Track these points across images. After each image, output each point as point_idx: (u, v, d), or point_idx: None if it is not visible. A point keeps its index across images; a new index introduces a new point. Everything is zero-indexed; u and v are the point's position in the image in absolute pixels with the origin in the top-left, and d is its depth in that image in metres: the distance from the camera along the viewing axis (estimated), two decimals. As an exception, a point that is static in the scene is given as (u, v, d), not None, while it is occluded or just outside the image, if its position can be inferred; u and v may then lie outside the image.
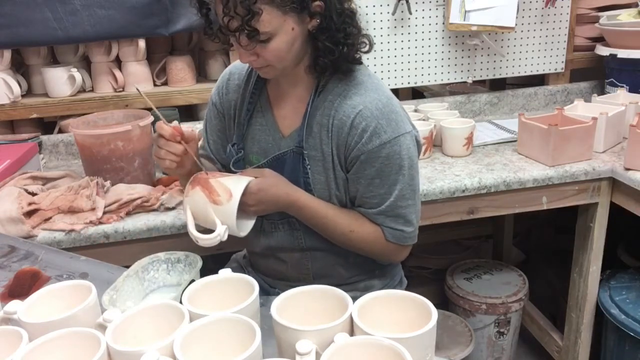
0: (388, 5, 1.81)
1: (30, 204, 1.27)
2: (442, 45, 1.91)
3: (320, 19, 0.96)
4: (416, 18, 1.85)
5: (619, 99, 1.74)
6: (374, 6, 1.81)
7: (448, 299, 1.99)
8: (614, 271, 1.74)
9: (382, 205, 1.05)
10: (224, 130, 1.19)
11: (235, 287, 0.75)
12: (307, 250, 1.14)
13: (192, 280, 0.80)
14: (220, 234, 0.96)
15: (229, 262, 1.38)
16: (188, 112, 1.93)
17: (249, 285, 0.73)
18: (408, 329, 0.63)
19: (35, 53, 1.76)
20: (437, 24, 1.87)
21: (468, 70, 1.96)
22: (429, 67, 1.92)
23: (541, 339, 1.94)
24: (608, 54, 1.85)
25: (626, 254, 1.84)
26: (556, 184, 1.47)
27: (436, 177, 1.45)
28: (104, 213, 1.28)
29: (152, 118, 1.42)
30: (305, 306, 0.71)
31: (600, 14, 1.97)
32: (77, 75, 1.72)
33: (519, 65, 1.99)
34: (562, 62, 2.03)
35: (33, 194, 1.31)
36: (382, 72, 1.88)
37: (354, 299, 0.68)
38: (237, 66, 1.17)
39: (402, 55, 1.89)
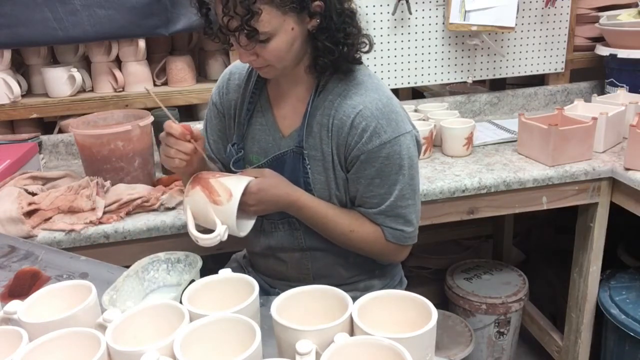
0: (388, 5, 1.81)
1: (30, 204, 1.27)
2: (442, 45, 1.91)
3: (320, 19, 0.96)
4: (416, 18, 1.85)
5: (619, 99, 1.74)
6: (374, 6, 1.81)
7: (448, 299, 1.99)
8: (614, 271, 1.74)
9: (382, 205, 1.05)
10: (224, 130, 1.19)
11: (235, 287, 0.75)
12: (307, 250, 1.14)
13: (192, 280, 0.80)
14: (220, 233, 0.96)
15: (229, 262, 1.38)
16: (188, 112, 1.93)
17: (249, 285, 0.73)
18: (408, 329, 0.63)
19: (35, 53, 1.76)
20: (437, 24, 1.87)
21: (468, 70, 1.96)
22: (429, 67, 1.92)
23: (541, 339, 1.94)
24: (608, 54, 1.85)
25: (626, 254, 1.84)
26: (556, 184, 1.47)
27: (436, 177, 1.45)
28: (104, 213, 1.28)
29: (152, 118, 1.42)
30: (305, 306, 0.71)
31: (600, 14, 1.97)
32: (77, 75, 1.72)
33: (519, 65, 1.99)
34: (562, 62, 2.03)
35: (33, 194, 1.31)
36: (382, 72, 1.89)
37: (354, 299, 0.68)
38: (238, 66, 1.17)
39: (402, 55, 1.89)
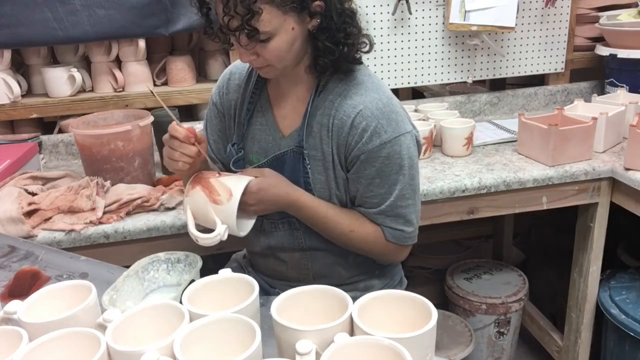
0: (388, 5, 1.81)
1: (30, 204, 1.27)
2: (442, 45, 1.91)
3: (320, 19, 0.96)
4: (416, 18, 1.85)
5: (619, 99, 1.74)
6: (374, 6, 1.81)
7: (448, 299, 1.99)
8: (614, 271, 1.74)
9: (382, 205, 1.05)
10: (224, 130, 1.19)
11: (235, 287, 0.75)
12: (307, 250, 1.14)
13: (192, 280, 0.80)
14: (220, 233, 0.96)
15: (229, 262, 1.38)
16: (188, 112, 1.93)
17: (249, 285, 0.73)
18: (408, 329, 0.63)
19: (35, 53, 1.76)
20: (437, 24, 1.87)
21: (468, 70, 1.96)
22: (429, 67, 1.92)
23: (541, 339, 1.94)
24: (608, 54, 1.85)
25: (626, 254, 1.84)
26: (556, 184, 1.47)
27: (436, 177, 1.45)
28: (104, 213, 1.28)
29: (152, 118, 1.42)
30: (305, 306, 0.71)
31: (600, 14, 1.97)
32: (77, 75, 1.72)
33: (519, 65, 1.99)
34: (562, 62, 2.03)
35: (33, 194, 1.31)
36: (382, 72, 1.88)
37: (354, 299, 0.68)
38: (238, 66, 1.17)
39: (402, 55, 1.89)
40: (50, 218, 1.27)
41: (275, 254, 1.17)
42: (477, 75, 1.97)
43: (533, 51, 1.98)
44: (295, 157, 1.07)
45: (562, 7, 1.94)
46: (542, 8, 1.93)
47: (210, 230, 0.98)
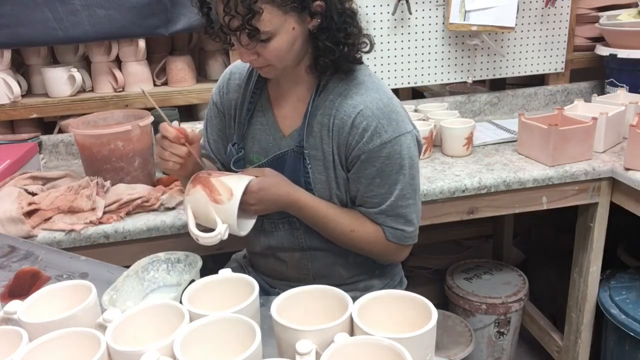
0: (388, 5, 1.81)
1: (30, 204, 1.27)
2: (442, 45, 1.91)
3: (321, 19, 0.96)
4: (416, 18, 1.85)
5: (619, 99, 1.74)
6: (374, 6, 1.81)
7: (448, 299, 1.99)
8: (614, 271, 1.74)
9: (382, 205, 1.05)
10: (225, 130, 1.19)
11: (235, 287, 0.75)
12: (308, 250, 1.14)
13: (192, 280, 0.80)
14: (220, 232, 0.96)
15: (229, 262, 1.38)
16: (188, 112, 1.93)
17: (249, 285, 0.73)
18: (408, 329, 0.63)
19: (35, 53, 1.76)
20: (437, 24, 1.87)
21: (468, 70, 1.96)
22: (429, 67, 1.92)
23: (541, 339, 1.94)
24: (608, 54, 1.85)
25: (626, 254, 1.84)
26: (556, 184, 1.47)
27: (436, 177, 1.45)
28: (104, 213, 1.28)
29: (152, 118, 1.42)
30: (305, 306, 0.71)
31: (600, 14, 1.97)
32: (77, 75, 1.72)
33: (519, 65, 1.99)
34: (562, 62, 2.03)
35: (33, 194, 1.31)
36: (382, 72, 1.88)
37: (354, 299, 0.68)
38: (238, 66, 1.17)
39: (402, 55, 1.89)
40: (50, 218, 1.27)
41: (275, 253, 1.17)
42: (477, 75, 1.97)
43: (533, 51, 1.98)
44: (296, 156, 1.07)
45: (562, 7, 1.94)
46: (542, 8, 1.93)
47: (210, 230, 0.98)
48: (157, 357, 0.60)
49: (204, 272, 0.86)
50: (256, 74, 1.12)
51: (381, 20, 1.83)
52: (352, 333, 0.65)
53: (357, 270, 1.18)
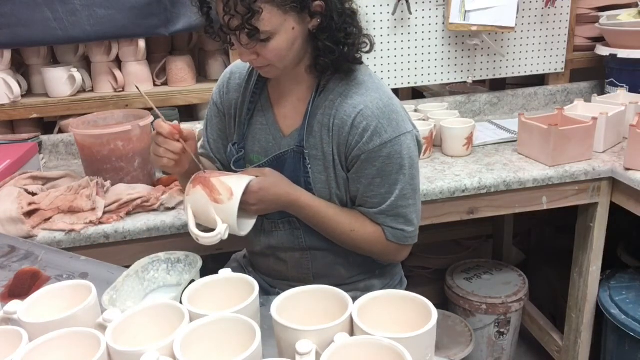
0: (388, 5, 1.81)
1: (30, 204, 1.27)
2: (442, 45, 1.91)
3: (321, 19, 0.96)
4: (416, 18, 1.85)
5: (619, 99, 1.74)
6: (374, 6, 1.81)
7: (448, 299, 1.99)
8: (614, 271, 1.74)
9: (382, 205, 1.05)
10: (225, 130, 1.19)
11: (235, 287, 0.75)
12: (308, 249, 1.14)
13: (192, 280, 0.80)
14: (220, 232, 0.96)
15: (229, 262, 1.38)
16: (188, 112, 1.93)
17: (249, 285, 0.73)
18: (408, 329, 0.63)
19: (35, 53, 1.76)
20: (437, 24, 1.87)
21: (468, 70, 1.96)
22: (429, 67, 1.92)
23: (541, 339, 1.94)
24: (608, 54, 1.85)
25: (626, 254, 1.84)
26: (556, 184, 1.47)
27: (436, 177, 1.45)
28: (104, 213, 1.28)
29: (152, 118, 1.42)
30: (305, 306, 0.71)
31: (600, 14, 1.97)
32: (77, 75, 1.72)
33: (519, 65, 1.99)
34: (562, 62, 2.03)
35: (33, 194, 1.31)
36: (382, 72, 1.88)
37: (354, 299, 0.68)
38: (238, 66, 1.17)
39: (402, 55, 1.89)
40: (50, 218, 1.27)
41: (275, 253, 1.17)
42: (477, 75, 1.97)
43: (533, 51, 1.98)
44: (296, 156, 1.07)
45: (562, 7, 1.94)
46: (542, 8, 1.92)
47: (211, 230, 0.98)
48: (157, 357, 0.60)
49: (204, 272, 0.86)
50: (256, 74, 1.12)
51: (381, 20, 1.83)
52: (352, 333, 0.65)
53: (357, 270, 1.18)
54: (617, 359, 1.62)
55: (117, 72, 1.75)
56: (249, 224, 1.06)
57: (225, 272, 0.77)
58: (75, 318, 0.69)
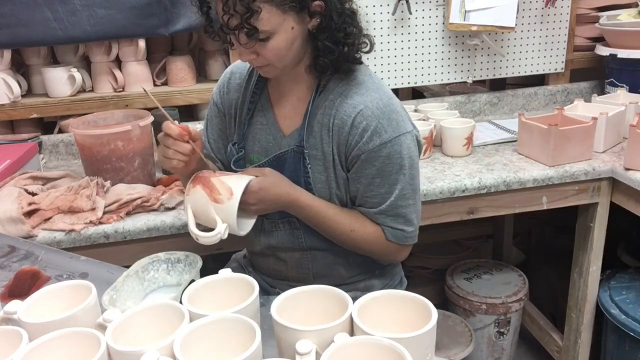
0: (388, 5, 1.81)
1: (30, 204, 1.27)
2: (442, 45, 1.91)
3: (320, 19, 0.96)
4: (416, 18, 1.85)
5: (619, 99, 1.74)
6: (374, 6, 1.81)
7: (448, 299, 1.99)
8: (614, 271, 1.74)
9: (382, 205, 1.05)
10: (225, 130, 1.19)
11: (235, 287, 0.75)
12: (308, 249, 1.14)
13: (192, 280, 0.80)
14: (220, 232, 0.96)
15: (229, 262, 1.38)
16: (188, 112, 1.93)
17: (249, 285, 0.73)
18: (408, 329, 0.63)
19: (35, 53, 1.76)
20: (437, 24, 1.87)
21: (468, 70, 1.96)
22: (429, 67, 1.92)
23: (541, 339, 1.94)
24: (608, 54, 1.85)
25: (626, 254, 1.84)
26: (556, 184, 1.47)
27: (436, 177, 1.45)
28: (104, 213, 1.28)
29: (152, 118, 1.42)
30: (305, 306, 0.71)
31: (600, 14, 1.97)
32: (77, 75, 1.72)
33: (519, 65, 1.99)
34: (562, 62, 2.03)
35: (33, 194, 1.31)
36: (382, 72, 1.88)
37: (354, 299, 0.68)
38: (238, 66, 1.17)
39: (402, 55, 1.89)
40: (50, 218, 1.27)
41: (275, 253, 1.17)
42: (477, 75, 1.97)
43: (533, 51, 1.98)
44: (296, 156, 1.07)
45: (562, 7, 1.94)
46: (542, 8, 1.92)
47: (211, 230, 0.98)
48: (157, 357, 0.60)
49: (204, 272, 0.86)
50: (256, 73, 1.12)
51: (381, 20, 1.83)
52: (352, 333, 0.65)
53: (357, 270, 1.18)
54: (617, 359, 1.62)
55: (117, 72, 1.75)
56: (248, 224, 1.06)
57: (225, 272, 0.77)
58: (75, 318, 0.69)
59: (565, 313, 1.77)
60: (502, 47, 1.95)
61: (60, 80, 1.73)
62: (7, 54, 1.69)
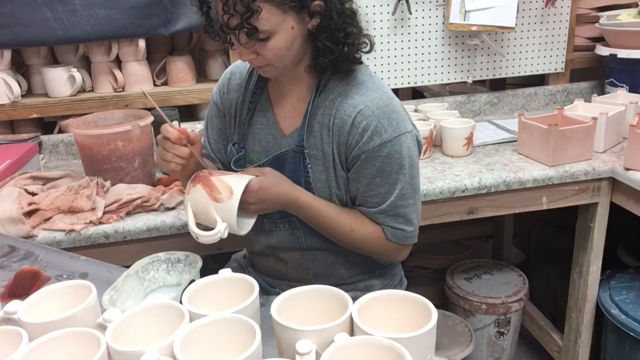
0: (388, 5, 1.81)
1: (30, 204, 1.27)
2: (442, 45, 1.91)
3: (320, 19, 0.96)
4: (416, 18, 1.85)
5: (619, 99, 1.74)
6: (374, 6, 1.81)
7: (448, 299, 1.99)
8: (614, 271, 1.74)
9: (382, 205, 1.05)
10: (225, 129, 1.19)
11: (235, 287, 0.75)
12: (308, 249, 1.14)
13: (192, 280, 0.80)
14: (220, 231, 0.96)
15: (229, 262, 1.38)
16: (188, 112, 1.93)
17: (249, 285, 0.73)
18: (408, 329, 0.63)
19: (35, 53, 1.76)
20: (437, 24, 1.87)
21: (468, 70, 1.96)
22: (429, 67, 1.92)
23: (541, 339, 1.94)
24: (608, 54, 1.85)
25: (626, 254, 1.84)
26: (556, 184, 1.47)
27: (436, 177, 1.45)
28: (104, 213, 1.28)
29: (152, 118, 1.42)
30: (305, 306, 0.71)
31: (600, 14, 1.97)
32: (77, 75, 1.72)
33: (519, 65, 1.99)
34: (562, 62, 2.03)
35: (33, 194, 1.31)
36: (382, 72, 1.89)
37: (354, 299, 0.68)
38: (239, 66, 1.17)
39: (402, 55, 1.89)
40: (50, 218, 1.27)
41: (275, 253, 1.17)
42: (477, 75, 1.97)
43: (533, 51, 1.98)
44: (296, 156, 1.07)
45: (562, 7, 1.94)
46: (542, 8, 1.93)
47: (211, 229, 0.98)
48: (157, 357, 0.60)
49: (204, 272, 0.86)
50: (256, 73, 1.12)
51: (381, 20, 1.83)
52: (352, 333, 0.65)
53: (357, 270, 1.18)
54: (617, 359, 1.62)
55: (117, 72, 1.75)
56: (248, 224, 1.06)
57: (225, 272, 0.77)
58: (75, 318, 0.69)
59: (565, 313, 1.77)
60: (502, 47, 1.95)
61: (60, 80, 1.73)
62: (7, 54, 1.69)
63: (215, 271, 0.78)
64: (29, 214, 1.26)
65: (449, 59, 1.93)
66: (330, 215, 1.06)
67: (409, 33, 1.87)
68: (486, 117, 2.02)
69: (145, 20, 1.67)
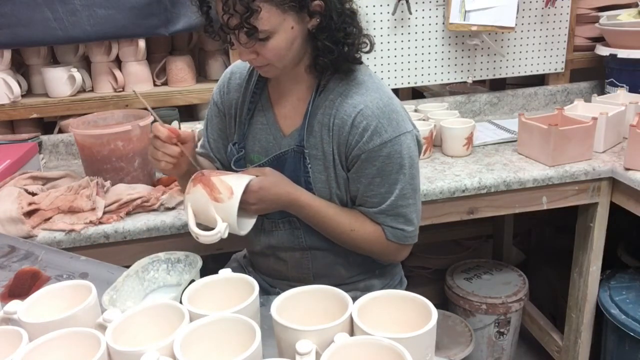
0: (388, 5, 1.81)
1: (30, 204, 1.27)
2: (442, 45, 1.91)
3: (320, 19, 0.96)
4: (416, 18, 1.85)
5: (619, 99, 1.74)
6: (374, 6, 1.81)
7: (448, 299, 1.99)
8: (614, 271, 1.74)
9: (382, 205, 1.05)
10: (225, 129, 1.19)
11: (235, 287, 0.75)
12: (308, 249, 1.14)
13: (192, 280, 0.80)
14: (220, 231, 0.96)
15: (229, 262, 1.38)
16: (188, 112, 1.93)
17: (249, 285, 0.73)
18: (408, 329, 0.63)
19: (35, 53, 1.76)
20: (437, 24, 1.87)
21: (468, 70, 1.96)
22: (429, 67, 1.92)
23: (541, 339, 1.94)
24: (608, 54, 1.85)
25: (626, 254, 1.84)
26: (556, 184, 1.47)
27: (436, 177, 1.45)
28: (104, 213, 1.28)
29: (152, 118, 1.42)
30: (305, 306, 0.71)
31: (600, 14, 1.97)
32: (77, 75, 1.72)
33: (519, 65, 1.99)
34: (562, 62, 2.03)
35: (33, 194, 1.31)
36: (382, 72, 1.89)
37: (354, 299, 0.68)
38: (239, 66, 1.17)
39: (402, 55, 1.89)
40: (50, 218, 1.27)
41: (275, 253, 1.17)
42: (477, 75, 1.97)
43: (533, 51, 1.98)
44: (296, 156, 1.07)
45: (562, 7, 1.94)
46: (542, 8, 1.93)
47: (211, 229, 0.98)
48: (157, 357, 0.60)
49: (204, 272, 0.86)
50: (256, 73, 1.12)
51: (381, 20, 1.83)
52: (352, 333, 0.65)
53: (357, 270, 1.18)
54: (617, 359, 1.62)
55: (117, 72, 1.75)
56: (249, 224, 1.06)
57: (225, 272, 0.77)
58: (75, 318, 0.69)
59: (565, 313, 1.77)
60: (502, 47, 1.95)
61: (60, 80, 1.73)
62: (7, 54, 1.69)
63: (215, 271, 0.78)
64: (29, 214, 1.26)
65: (449, 59, 1.93)
66: (330, 215, 1.06)
67: (409, 33, 1.87)
68: (486, 117, 2.02)
69: (145, 20, 1.67)
